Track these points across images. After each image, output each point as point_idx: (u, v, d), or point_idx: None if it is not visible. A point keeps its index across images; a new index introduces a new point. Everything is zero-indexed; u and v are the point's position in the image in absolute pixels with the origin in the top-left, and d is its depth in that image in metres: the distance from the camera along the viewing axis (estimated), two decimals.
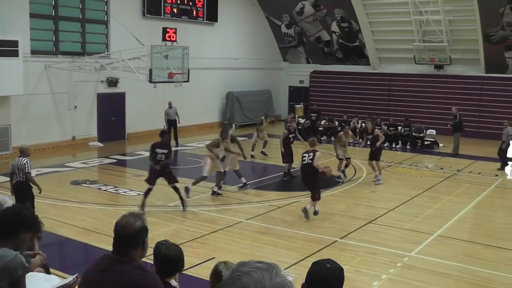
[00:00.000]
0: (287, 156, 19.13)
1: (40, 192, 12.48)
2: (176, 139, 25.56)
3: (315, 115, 29.55)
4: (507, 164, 21.78)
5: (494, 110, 29.30)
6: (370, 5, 31.89)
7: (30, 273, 4.73)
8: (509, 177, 21.26)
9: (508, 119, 23.58)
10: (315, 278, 3.37)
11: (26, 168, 12.19)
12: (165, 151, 14.50)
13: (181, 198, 14.73)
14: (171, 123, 25.57)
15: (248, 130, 28.20)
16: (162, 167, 14.43)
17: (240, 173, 17.41)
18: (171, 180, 14.78)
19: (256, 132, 23.68)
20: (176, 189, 14.73)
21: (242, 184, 17.30)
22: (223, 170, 16.67)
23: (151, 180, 14.60)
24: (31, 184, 12.41)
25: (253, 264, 2.04)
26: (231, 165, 17.34)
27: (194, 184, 16.01)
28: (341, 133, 20.05)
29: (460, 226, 14.31)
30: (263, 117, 24.83)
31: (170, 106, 25.55)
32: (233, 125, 24.86)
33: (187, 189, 15.46)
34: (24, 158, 12.33)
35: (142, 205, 14.39)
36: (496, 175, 20.82)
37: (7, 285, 4.32)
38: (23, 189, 12.28)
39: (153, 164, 14.46)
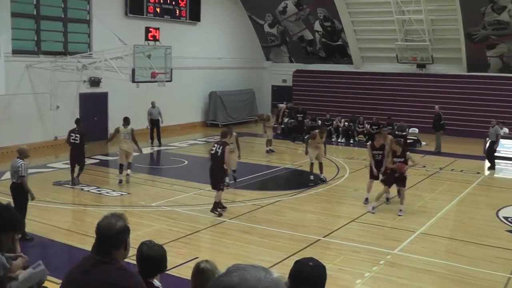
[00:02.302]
0: None
1: (32, 199, 12.20)
2: (159, 139, 25.51)
3: (301, 115, 29.56)
4: (494, 163, 21.83)
5: (476, 108, 29.56)
6: (353, 4, 32.01)
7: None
8: (496, 175, 21.42)
9: (490, 117, 23.84)
10: (298, 276, 3.39)
11: (20, 172, 11.85)
12: (78, 135, 17.13)
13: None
14: (154, 122, 25.52)
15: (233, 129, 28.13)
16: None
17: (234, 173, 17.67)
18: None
19: (264, 128, 24.43)
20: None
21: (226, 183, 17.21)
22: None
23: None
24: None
25: (247, 264, 2.08)
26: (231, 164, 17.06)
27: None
28: (316, 131, 19.06)
29: (442, 224, 14.43)
30: (270, 113, 25.38)
31: (153, 106, 25.49)
32: None
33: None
34: (20, 160, 11.97)
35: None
36: (478, 173, 21.02)
37: None
38: (17, 191, 11.99)
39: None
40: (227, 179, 16.92)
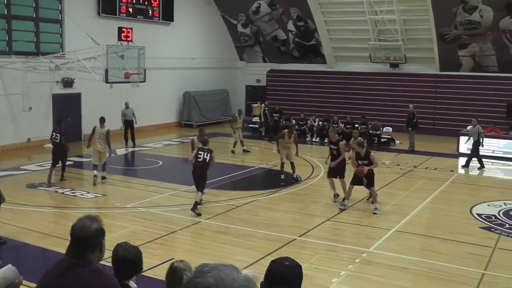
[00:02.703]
0: None
1: (3, 201, 12.04)
2: (133, 140, 25.36)
3: (278, 115, 29.60)
4: (482, 162, 21.84)
5: (448, 107, 29.92)
6: (326, 4, 32.13)
7: None
8: (471, 172, 21.62)
9: (462, 116, 24.12)
10: (274, 276, 3.37)
11: None
12: (58, 135, 18.01)
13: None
14: (128, 123, 25.36)
15: (207, 129, 28.08)
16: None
17: None
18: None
19: (232, 129, 24.33)
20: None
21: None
22: None
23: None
24: None
25: (215, 264, 2.09)
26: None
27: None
28: (285, 131, 19.02)
29: (417, 221, 14.55)
30: (236, 114, 25.14)
31: (127, 107, 25.33)
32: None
33: None
34: None
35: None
36: (452, 171, 21.22)
37: None
38: None
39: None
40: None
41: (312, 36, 34.17)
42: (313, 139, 28.61)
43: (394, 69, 32.21)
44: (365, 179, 15.11)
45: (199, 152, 14.91)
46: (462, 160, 22.77)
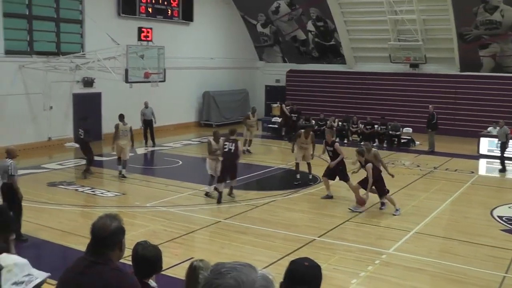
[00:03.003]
0: None
1: (20, 199, 12.18)
2: (153, 139, 25.44)
3: (296, 115, 29.52)
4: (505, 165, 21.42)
5: (469, 108, 29.65)
6: (346, 4, 32.03)
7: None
8: (490, 174, 21.40)
9: (483, 117, 23.87)
10: (294, 276, 3.38)
11: (10, 171, 11.88)
12: (82, 131, 18.76)
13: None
14: (147, 123, 25.44)
15: (225, 129, 28.14)
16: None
17: None
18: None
19: (246, 126, 24.20)
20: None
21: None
22: None
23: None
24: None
25: (232, 263, 2.07)
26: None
27: None
28: (302, 131, 18.87)
29: (436, 223, 14.44)
30: (249, 112, 24.91)
31: (146, 106, 25.42)
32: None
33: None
34: (9, 160, 12.02)
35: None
36: (472, 172, 21.05)
37: None
38: (8, 192, 11.91)
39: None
40: None
41: (332, 36, 34.08)
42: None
43: (414, 70, 32.01)
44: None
45: (225, 144, 15.51)
46: (482, 162, 22.57)
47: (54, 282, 4.10)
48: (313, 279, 3.43)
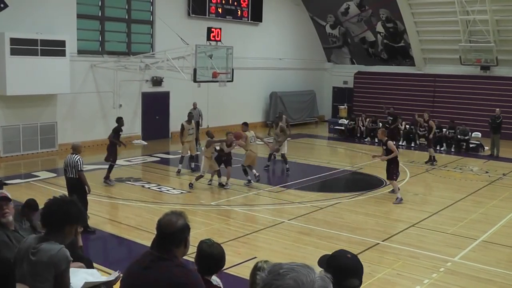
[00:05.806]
0: None
1: (88, 192, 12.58)
2: (197, 141, 25.22)
3: (391, 118, 27.71)
4: None
5: None
6: (416, 5, 31.52)
7: (72, 269, 4.81)
8: None
9: None
10: (337, 265, 3.40)
11: (78, 166, 12.29)
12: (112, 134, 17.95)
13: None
14: (194, 124, 25.39)
15: (293, 130, 28.15)
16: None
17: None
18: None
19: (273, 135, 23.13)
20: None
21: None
22: None
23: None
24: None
25: (289, 263, 2.09)
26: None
27: None
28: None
29: (505, 232, 13.99)
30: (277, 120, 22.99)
31: (195, 107, 25.34)
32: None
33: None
34: (76, 155, 12.41)
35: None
36: None
37: (52, 278, 4.42)
38: (76, 186, 12.33)
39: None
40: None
41: (401, 37, 33.61)
42: (400, 143, 27.94)
43: (485, 72, 31.17)
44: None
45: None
46: None
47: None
48: (359, 269, 3.47)
